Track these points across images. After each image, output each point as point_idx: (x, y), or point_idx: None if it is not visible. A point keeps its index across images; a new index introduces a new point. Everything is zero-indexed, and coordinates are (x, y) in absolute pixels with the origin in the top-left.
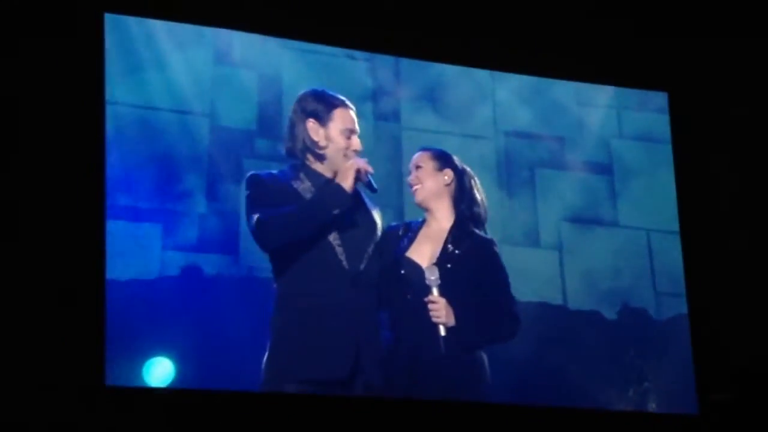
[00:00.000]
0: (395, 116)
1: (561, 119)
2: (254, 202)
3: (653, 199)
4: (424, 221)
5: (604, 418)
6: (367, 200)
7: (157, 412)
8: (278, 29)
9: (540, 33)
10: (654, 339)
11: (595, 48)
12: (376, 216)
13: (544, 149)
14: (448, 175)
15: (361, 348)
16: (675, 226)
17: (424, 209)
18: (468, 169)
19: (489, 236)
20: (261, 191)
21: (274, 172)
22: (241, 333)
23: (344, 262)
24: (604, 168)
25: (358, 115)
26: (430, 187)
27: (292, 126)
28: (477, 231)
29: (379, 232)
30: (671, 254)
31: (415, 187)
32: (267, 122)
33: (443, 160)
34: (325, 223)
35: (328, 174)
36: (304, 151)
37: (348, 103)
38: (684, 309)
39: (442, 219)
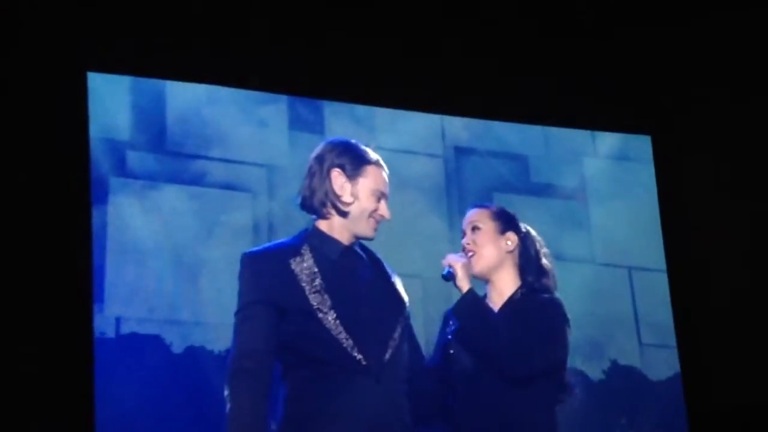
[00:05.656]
0: (317, 125)
1: (524, 133)
2: (241, 296)
3: (636, 231)
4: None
5: None
6: (385, 264)
7: None
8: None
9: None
10: (647, 403)
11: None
12: (399, 286)
13: (503, 169)
14: (511, 239)
15: None
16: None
17: (482, 280)
18: (532, 231)
19: (557, 296)
20: (252, 280)
21: (272, 245)
22: None
23: (357, 356)
24: (575, 192)
25: (265, 123)
26: (490, 256)
27: (312, 175)
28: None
29: (406, 309)
30: (658, 296)
31: (470, 254)
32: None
33: (506, 221)
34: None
35: (344, 238)
36: (323, 204)
37: (382, 162)
38: (677, 366)
39: (503, 288)
